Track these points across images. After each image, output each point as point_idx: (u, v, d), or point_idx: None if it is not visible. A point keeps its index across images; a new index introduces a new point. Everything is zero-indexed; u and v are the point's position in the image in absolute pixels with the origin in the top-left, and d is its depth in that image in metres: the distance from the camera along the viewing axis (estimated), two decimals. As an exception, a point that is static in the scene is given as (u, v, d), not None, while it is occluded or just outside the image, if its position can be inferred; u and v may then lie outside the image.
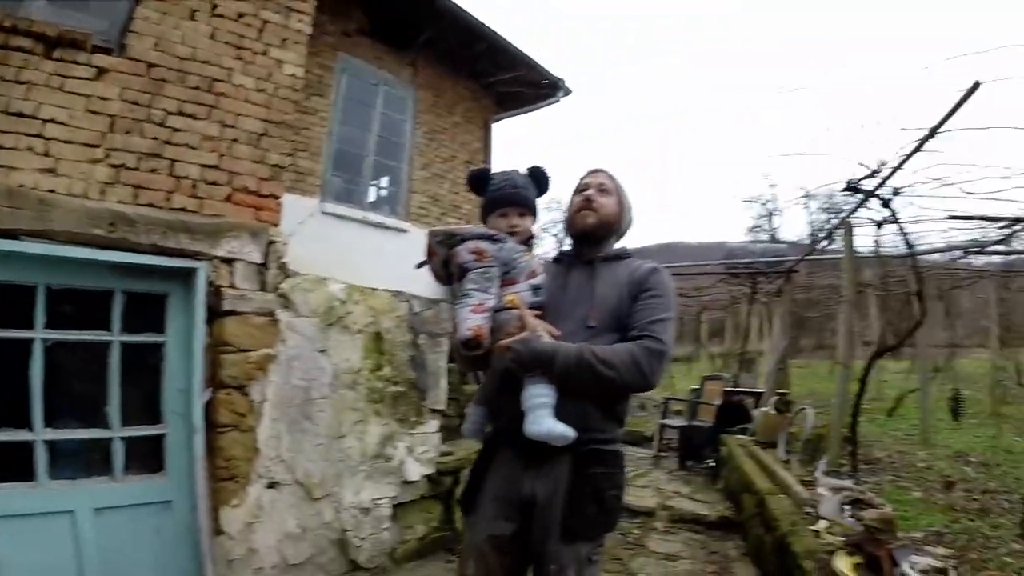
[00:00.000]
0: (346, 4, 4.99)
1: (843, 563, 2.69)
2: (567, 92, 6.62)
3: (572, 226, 1.87)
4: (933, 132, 2.85)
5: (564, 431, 1.50)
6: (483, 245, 1.67)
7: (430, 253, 1.75)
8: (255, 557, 2.81)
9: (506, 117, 7.09)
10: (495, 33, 5.60)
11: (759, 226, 30.52)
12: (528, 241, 1.80)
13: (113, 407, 2.57)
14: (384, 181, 5.92)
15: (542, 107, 6.87)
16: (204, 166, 2.88)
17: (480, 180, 1.82)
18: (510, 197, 1.77)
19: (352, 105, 5.09)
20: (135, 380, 2.66)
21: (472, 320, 1.59)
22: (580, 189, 1.88)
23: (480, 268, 1.66)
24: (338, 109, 4.95)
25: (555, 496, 1.62)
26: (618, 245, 1.91)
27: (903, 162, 3.09)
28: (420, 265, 1.76)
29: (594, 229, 1.80)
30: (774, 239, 28.38)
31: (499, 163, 6.76)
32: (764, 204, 30.04)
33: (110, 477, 2.56)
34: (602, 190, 1.83)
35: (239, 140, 3.02)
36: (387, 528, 3.43)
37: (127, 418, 2.61)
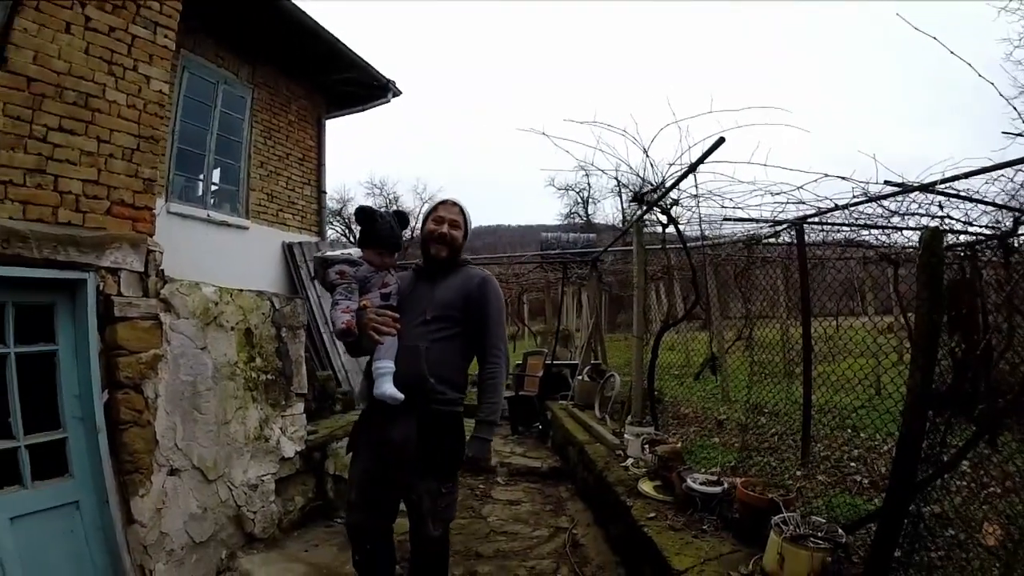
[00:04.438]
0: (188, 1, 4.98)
1: (647, 486, 3.56)
2: (397, 93, 7.15)
3: (427, 253, 2.52)
4: (692, 168, 3.84)
5: (395, 394, 2.26)
6: (345, 268, 2.38)
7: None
8: (166, 540, 3.11)
9: (338, 116, 7.39)
10: (331, 34, 5.91)
11: (575, 212, 33.74)
12: (390, 267, 2.52)
13: (15, 417, 2.67)
14: (224, 179, 5.93)
15: (373, 107, 7.30)
16: (85, 181, 3.00)
17: (369, 217, 2.48)
18: (391, 243, 2.49)
19: (192, 104, 5.09)
20: (31, 389, 2.77)
21: (343, 318, 2.30)
22: (437, 219, 2.51)
23: (343, 284, 2.36)
24: (179, 107, 4.93)
25: (407, 441, 2.30)
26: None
27: (671, 188, 4.20)
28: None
29: (446, 259, 2.50)
30: (589, 223, 31.37)
31: (331, 158, 7.10)
32: (579, 193, 33.14)
33: (20, 486, 2.67)
34: (454, 225, 2.51)
35: (114, 155, 3.16)
36: (273, 501, 3.87)
37: (28, 427, 2.72)
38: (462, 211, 2.58)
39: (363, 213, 2.51)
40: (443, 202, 2.59)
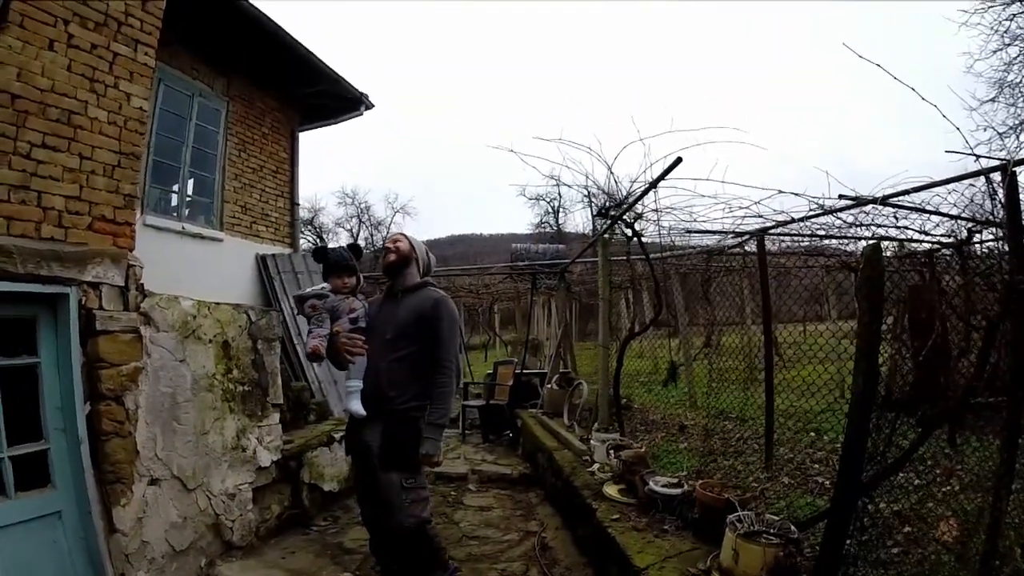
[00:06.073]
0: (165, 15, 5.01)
1: (611, 489, 3.72)
2: (369, 107, 7.24)
3: (382, 266, 3.03)
4: (652, 186, 4.07)
5: (358, 410, 2.77)
6: (316, 302, 2.84)
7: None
8: (148, 548, 3.16)
9: (311, 128, 7.46)
10: (305, 48, 6.00)
11: (545, 221, 34.24)
12: (355, 288, 3.01)
13: (-1, 429, 2.71)
14: (198, 191, 5.94)
15: (346, 120, 7.40)
16: (67, 197, 3.06)
17: (322, 253, 3.00)
18: (343, 266, 2.98)
19: (168, 116, 5.13)
20: (14, 402, 2.81)
21: (312, 342, 2.76)
22: (386, 244, 3.08)
23: (315, 315, 2.82)
24: (155, 120, 4.97)
25: (375, 443, 2.74)
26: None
27: (633, 203, 4.43)
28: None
29: (394, 263, 2.98)
30: (560, 232, 31.87)
31: (303, 168, 7.17)
32: (549, 202, 33.68)
33: (4, 496, 2.69)
34: (396, 240, 3.05)
35: (96, 172, 3.22)
36: (250, 510, 3.93)
37: (11, 438, 2.75)
38: (405, 236, 3.11)
39: (317, 252, 3.06)
40: (393, 234, 3.18)
